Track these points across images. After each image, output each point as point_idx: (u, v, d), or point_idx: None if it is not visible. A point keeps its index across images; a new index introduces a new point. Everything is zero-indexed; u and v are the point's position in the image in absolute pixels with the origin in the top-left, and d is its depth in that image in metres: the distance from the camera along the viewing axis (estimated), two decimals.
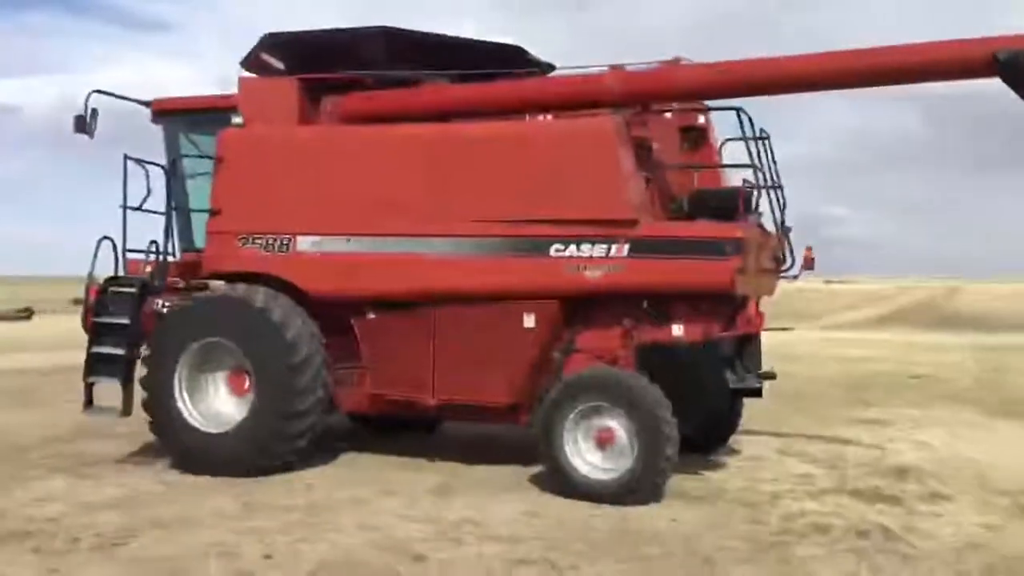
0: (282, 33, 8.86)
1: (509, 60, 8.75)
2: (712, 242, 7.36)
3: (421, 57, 8.72)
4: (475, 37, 8.45)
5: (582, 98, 8.38)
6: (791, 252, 8.27)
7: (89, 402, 8.95)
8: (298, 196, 8.41)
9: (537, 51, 9.08)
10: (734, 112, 8.08)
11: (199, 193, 9.20)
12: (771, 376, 8.33)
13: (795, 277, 8.40)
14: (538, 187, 7.75)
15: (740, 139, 8.09)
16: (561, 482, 7.42)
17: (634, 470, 7.15)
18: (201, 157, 9.09)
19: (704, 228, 7.62)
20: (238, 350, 8.21)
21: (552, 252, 7.63)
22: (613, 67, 8.28)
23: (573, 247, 7.58)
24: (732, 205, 7.76)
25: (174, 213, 9.24)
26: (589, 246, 7.54)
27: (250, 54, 9.02)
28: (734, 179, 8.59)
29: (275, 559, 5.87)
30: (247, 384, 8.28)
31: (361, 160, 8.33)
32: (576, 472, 7.34)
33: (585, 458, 7.36)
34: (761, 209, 8.14)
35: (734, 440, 9.44)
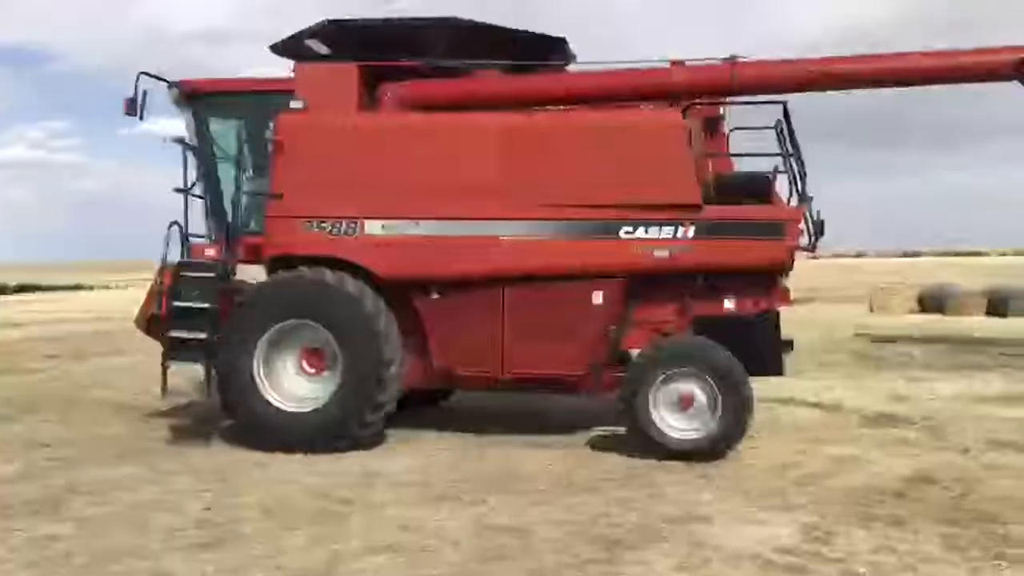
0: (346, 20, 8.94)
1: (551, 49, 9.30)
2: (772, 223, 8.17)
3: (476, 47, 8.99)
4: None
5: (648, 90, 9.03)
6: (812, 225, 8.44)
7: (166, 387, 8.91)
8: (367, 180, 8.61)
9: None
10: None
11: (233, 175, 9.27)
12: (789, 344, 8.71)
13: (814, 250, 8.59)
14: (609, 174, 8.28)
15: (748, 128, 8.99)
16: (644, 441, 8.05)
17: (717, 431, 7.92)
18: (266, 141, 8.97)
19: (763, 211, 8.28)
20: (322, 329, 8.42)
21: (622, 234, 8.22)
22: (674, 62, 8.92)
23: (642, 229, 8.19)
24: (759, 189, 8.43)
25: (205, 197, 9.32)
26: (657, 228, 8.18)
27: (293, 38, 9.04)
28: (740, 164, 9.23)
29: (215, 510, 6.53)
30: (322, 363, 8.57)
31: (434, 146, 8.61)
32: (658, 431, 8.01)
33: (667, 419, 8.05)
34: (810, 194, 8.43)
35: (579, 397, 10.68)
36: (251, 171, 9.47)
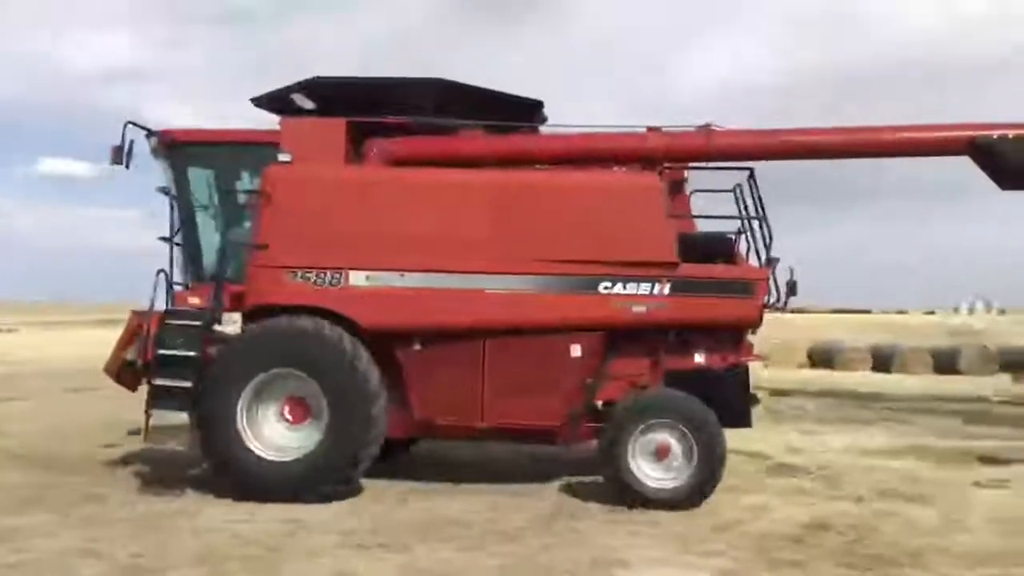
0: (333, 77, 9.17)
1: (528, 111, 9.74)
2: (742, 282, 8.65)
3: (459, 106, 9.34)
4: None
5: (628, 154, 9.42)
6: (776, 285, 8.84)
7: (148, 432, 8.67)
8: (352, 232, 8.75)
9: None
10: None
11: (213, 225, 9.43)
12: (755, 398, 9.20)
13: (784, 308, 8.98)
14: (590, 231, 8.67)
15: (709, 191, 9.52)
16: (622, 489, 8.35)
17: (692, 480, 8.28)
18: (248, 192, 9.19)
19: (733, 270, 8.80)
20: (310, 380, 8.46)
21: (601, 289, 8.56)
22: (650, 129, 9.38)
23: (620, 285, 8.55)
24: (723, 249, 8.96)
25: (183, 245, 9.37)
26: (635, 285, 8.54)
27: (277, 92, 9.30)
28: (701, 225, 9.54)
29: (146, 557, 6.55)
30: (305, 413, 8.58)
31: (420, 201, 8.85)
32: (636, 480, 8.33)
33: (644, 469, 8.39)
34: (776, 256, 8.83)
35: (483, 446, 10.99)
36: (228, 220, 9.58)
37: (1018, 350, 29.85)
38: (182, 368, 8.55)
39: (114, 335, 9.73)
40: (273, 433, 8.63)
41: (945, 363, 28.69)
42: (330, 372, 8.42)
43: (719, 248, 9.03)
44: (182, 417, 8.55)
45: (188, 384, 8.50)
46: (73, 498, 8.51)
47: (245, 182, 9.35)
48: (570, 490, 9.11)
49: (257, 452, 8.48)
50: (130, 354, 9.19)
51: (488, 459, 10.84)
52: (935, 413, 16.96)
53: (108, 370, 9.59)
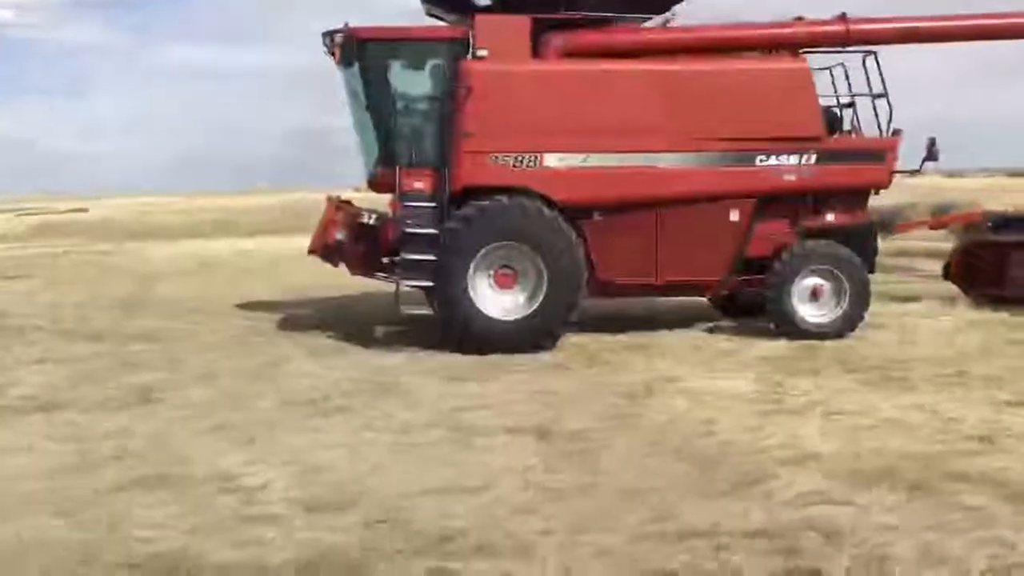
0: None
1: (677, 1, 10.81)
2: (876, 151, 10.26)
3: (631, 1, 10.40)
4: None
5: (774, 42, 10.78)
6: (928, 151, 10.47)
7: (399, 300, 9.87)
8: (546, 119, 9.82)
9: None
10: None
11: (404, 116, 10.13)
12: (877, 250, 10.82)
13: (918, 172, 10.76)
14: (748, 112, 9.97)
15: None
16: (788, 325, 10.05)
17: (844, 315, 10.10)
18: (441, 86, 10.02)
19: (868, 141, 10.41)
20: (525, 249, 9.66)
21: (757, 162, 9.98)
22: (797, 18, 10.62)
23: (774, 158, 9.98)
24: (833, 122, 10.44)
25: (377, 136, 10.06)
26: (786, 157, 10.00)
27: None
28: None
29: (283, 395, 7.73)
30: (512, 280, 9.79)
31: (602, 89, 9.99)
32: (797, 317, 10.06)
33: (803, 308, 10.14)
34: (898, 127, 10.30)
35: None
36: (418, 112, 10.34)
37: (881, 210, 32.69)
38: (426, 244, 9.71)
39: None
40: (491, 297, 9.87)
41: None
42: (546, 242, 9.68)
43: (830, 121, 10.48)
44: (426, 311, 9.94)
45: (432, 257, 9.67)
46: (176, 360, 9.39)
47: (430, 76, 10.18)
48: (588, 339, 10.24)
49: (486, 313, 9.74)
50: (339, 234, 10.28)
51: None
52: None
53: (314, 250, 10.57)
